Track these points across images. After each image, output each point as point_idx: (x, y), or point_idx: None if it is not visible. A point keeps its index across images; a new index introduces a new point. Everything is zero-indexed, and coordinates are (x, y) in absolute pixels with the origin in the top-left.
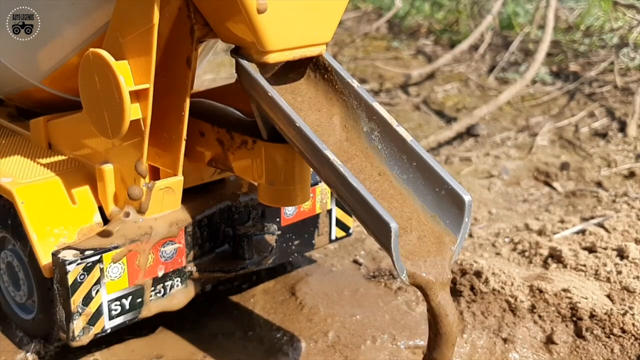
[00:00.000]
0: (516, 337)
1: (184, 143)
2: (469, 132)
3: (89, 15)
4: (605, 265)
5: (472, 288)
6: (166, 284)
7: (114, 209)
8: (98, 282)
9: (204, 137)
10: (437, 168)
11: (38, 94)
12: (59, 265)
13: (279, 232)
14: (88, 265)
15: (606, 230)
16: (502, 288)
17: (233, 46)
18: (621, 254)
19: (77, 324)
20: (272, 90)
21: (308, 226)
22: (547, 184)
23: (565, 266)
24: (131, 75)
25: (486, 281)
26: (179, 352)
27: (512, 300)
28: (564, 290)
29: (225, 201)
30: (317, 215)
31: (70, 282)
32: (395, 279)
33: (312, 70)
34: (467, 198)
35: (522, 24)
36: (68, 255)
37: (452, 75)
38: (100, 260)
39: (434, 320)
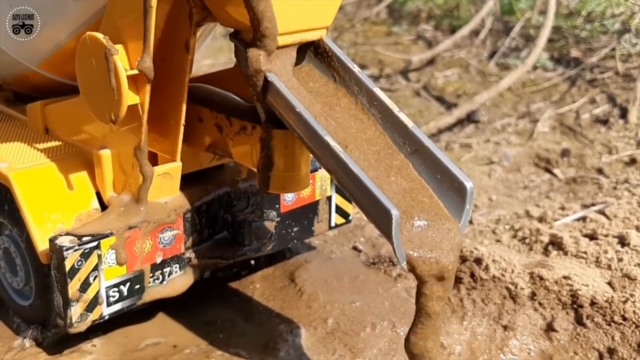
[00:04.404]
0: (516, 324)
1: (182, 128)
2: (470, 119)
3: None
4: (606, 252)
5: (472, 275)
6: (165, 270)
7: (112, 194)
8: (96, 268)
9: (203, 123)
10: (439, 154)
11: (35, 78)
12: (56, 251)
13: (278, 219)
14: (85, 251)
15: (607, 217)
16: (503, 275)
17: (232, 30)
18: (622, 241)
19: (75, 311)
20: (272, 75)
21: (307, 213)
22: (548, 170)
23: (565, 253)
24: (129, 60)
25: (486, 268)
26: (178, 338)
27: (512, 288)
28: (565, 277)
29: (224, 187)
30: (317, 202)
31: (67, 268)
32: (395, 266)
33: (312, 54)
34: (468, 185)
35: (523, 9)
36: (65, 241)
37: (453, 60)
38: (97, 247)
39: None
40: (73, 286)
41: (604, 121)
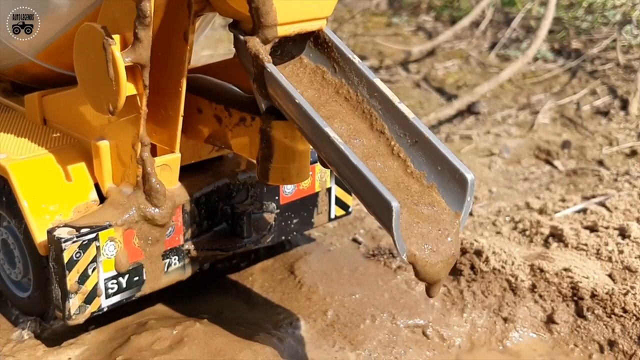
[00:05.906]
0: (517, 316)
1: (181, 119)
2: (470, 110)
3: None
4: (606, 244)
5: (472, 267)
6: (163, 262)
7: (111, 186)
8: (94, 260)
9: (202, 114)
10: (439, 146)
11: (33, 69)
12: (54, 243)
13: (278, 211)
14: (84, 243)
15: (608, 209)
16: (503, 267)
17: (231, 21)
18: (623, 233)
19: (73, 303)
20: (271, 66)
21: (307, 204)
22: (548, 162)
23: (566, 245)
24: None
25: (487, 260)
26: (176, 328)
27: (512, 280)
28: (565, 269)
29: (224, 179)
30: (317, 194)
31: (65, 260)
32: (395, 258)
33: (312, 45)
34: (469, 177)
35: (523, 0)
36: (63, 233)
37: (453, 52)
38: (96, 238)
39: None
40: (71, 278)
41: (604, 113)
